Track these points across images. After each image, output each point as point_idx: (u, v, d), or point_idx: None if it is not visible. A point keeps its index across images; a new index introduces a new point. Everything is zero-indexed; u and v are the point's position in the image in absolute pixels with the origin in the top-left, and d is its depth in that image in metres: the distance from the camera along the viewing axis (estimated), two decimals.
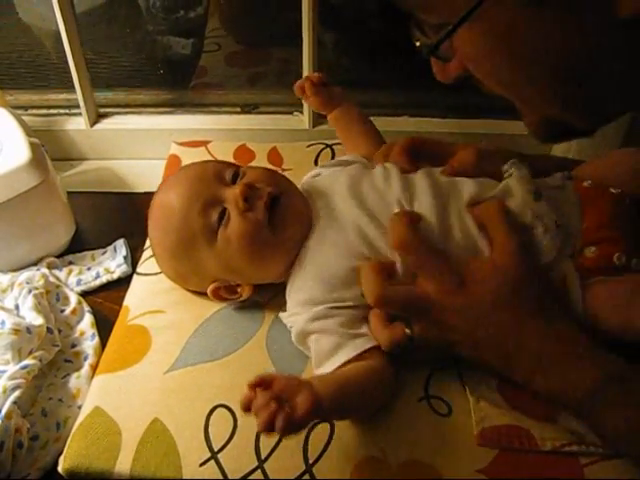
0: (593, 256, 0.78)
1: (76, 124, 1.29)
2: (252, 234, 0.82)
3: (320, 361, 0.78)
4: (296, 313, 0.83)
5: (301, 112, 1.27)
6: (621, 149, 0.96)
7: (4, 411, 0.78)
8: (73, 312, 0.95)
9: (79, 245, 1.09)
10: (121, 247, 1.06)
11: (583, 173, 0.88)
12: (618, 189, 0.83)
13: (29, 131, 1.06)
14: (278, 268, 0.86)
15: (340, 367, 0.76)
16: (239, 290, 0.88)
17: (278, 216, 0.84)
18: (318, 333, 0.79)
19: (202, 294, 0.91)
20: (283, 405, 0.63)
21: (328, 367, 0.77)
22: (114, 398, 0.79)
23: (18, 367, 0.83)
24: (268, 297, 0.91)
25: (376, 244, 0.81)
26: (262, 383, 0.66)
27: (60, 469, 0.75)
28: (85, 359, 0.90)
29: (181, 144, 1.19)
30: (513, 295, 0.74)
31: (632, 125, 1.14)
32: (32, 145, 1.01)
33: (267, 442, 0.74)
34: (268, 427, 0.62)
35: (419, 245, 0.77)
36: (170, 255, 0.88)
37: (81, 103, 1.25)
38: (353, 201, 0.84)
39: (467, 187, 0.83)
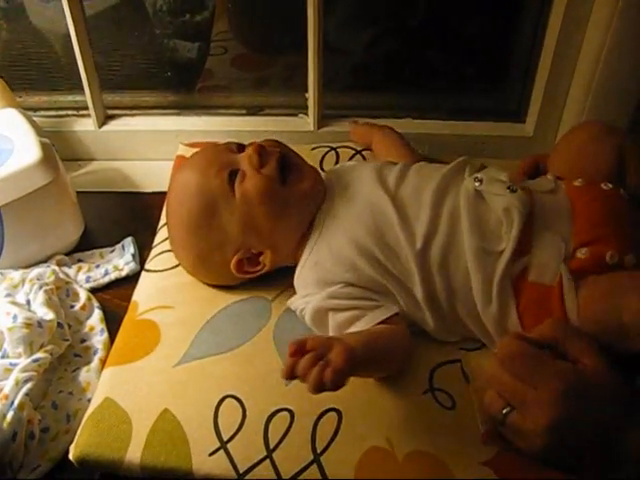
0: (585, 257, 0.79)
1: (85, 125, 1.30)
2: (268, 188, 0.85)
3: (339, 332, 0.81)
4: (310, 293, 0.85)
5: (306, 114, 1.28)
6: (578, 131, 0.96)
7: (17, 402, 0.79)
8: (83, 308, 0.97)
9: (88, 244, 1.10)
10: (129, 245, 1.08)
11: (564, 167, 0.90)
12: (609, 184, 0.84)
13: (40, 131, 1.08)
14: (296, 227, 0.88)
15: None
16: (261, 259, 0.90)
17: (290, 171, 0.88)
18: (335, 310, 0.82)
19: (211, 290, 0.93)
20: (324, 363, 0.67)
21: None
22: (124, 389, 0.81)
23: (30, 360, 0.84)
24: (274, 295, 0.92)
25: (394, 231, 0.84)
26: (298, 349, 0.69)
27: (71, 457, 0.76)
28: (94, 353, 0.91)
29: (188, 145, 1.20)
30: (608, 395, 0.70)
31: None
32: (43, 145, 1.02)
33: (275, 432, 0.75)
34: (319, 386, 0.66)
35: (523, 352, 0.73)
36: (192, 228, 0.89)
37: (90, 105, 1.27)
38: (376, 183, 0.88)
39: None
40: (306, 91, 1.25)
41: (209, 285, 0.94)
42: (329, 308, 0.82)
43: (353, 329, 0.80)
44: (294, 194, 0.87)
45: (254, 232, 0.88)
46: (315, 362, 0.67)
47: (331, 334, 0.82)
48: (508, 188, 0.84)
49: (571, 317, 0.77)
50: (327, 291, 0.83)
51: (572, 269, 0.79)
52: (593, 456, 0.70)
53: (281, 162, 0.87)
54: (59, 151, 1.09)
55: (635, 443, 0.68)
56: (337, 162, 1.15)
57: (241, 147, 0.91)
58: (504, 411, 0.71)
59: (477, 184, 0.86)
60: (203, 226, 0.88)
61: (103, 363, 0.88)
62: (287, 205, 0.87)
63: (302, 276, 0.88)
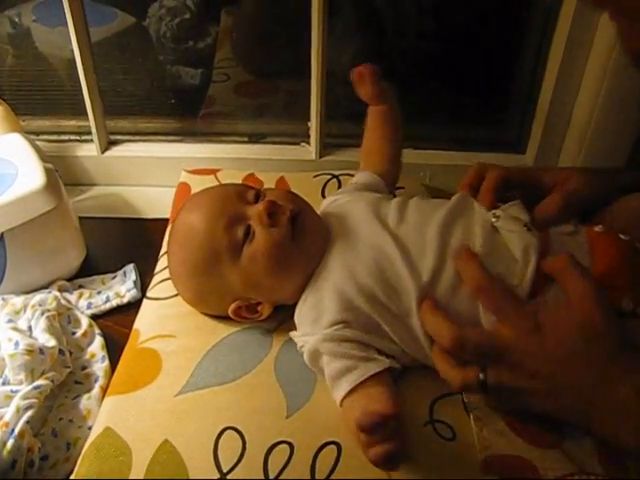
0: None
1: (87, 151, 1.31)
2: (277, 249, 0.84)
3: (333, 381, 0.80)
4: (308, 333, 0.85)
5: (308, 143, 1.29)
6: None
7: (17, 430, 0.79)
8: (84, 334, 0.97)
9: (89, 269, 1.11)
10: (131, 272, 1.08)
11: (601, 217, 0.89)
12: (627, 236, 0.84)
13: (44, 156, 1.08)
14: (298, 283, 0.88)
15: (354, 389, 0.78)
16: (259, 309, 0.90)
17: (300, 231, 0.86)
18: (330, 355, 0.81)
19: (212, 320, 0.93)
20: None
21: (342, 387, 0.79)
22: (124, 419, 0.81)
23: (31, 387, 0.84)
24: (276, 324, 0.92)
25: (395, 268, 0.83)
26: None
27: None
28: (95, 381, 0.91)
29: (191, 172, 1.21)
30: (593, 340, 0.70)
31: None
32: (47, 170, 1.03)
33: (275, 464, 0.75)
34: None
35: (494, 286, 0.77)
36: (192, 274, 0.89)
37: (93, 130, 1.28)
38: (375, 222, 0.88)
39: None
40: (308, 119, 1.26)
41: (210, 315, 0.94)
42: (324, 352, 0.82)
43: (345, 381, 0.79)
44: (302, 252, 0.86)
45: (254, 287, 0.88)
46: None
47: (327, 378, 0.81)
48: (525, 226, 0.84)
49: None
50: (323, 333, 0.82)
51: None
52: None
53: (292, 221, 0.86)
54: (62, 176, 1.09)
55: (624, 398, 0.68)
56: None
57: (256, 195, 0.89)
58: (481, 376, 0.73)
59: (494, 219, 0.86)
60: (204, 273, 0.88)
61: (104, 391, 0.88)
62: (294, 263, 0.86)
63: (301, 314, 0.87)
